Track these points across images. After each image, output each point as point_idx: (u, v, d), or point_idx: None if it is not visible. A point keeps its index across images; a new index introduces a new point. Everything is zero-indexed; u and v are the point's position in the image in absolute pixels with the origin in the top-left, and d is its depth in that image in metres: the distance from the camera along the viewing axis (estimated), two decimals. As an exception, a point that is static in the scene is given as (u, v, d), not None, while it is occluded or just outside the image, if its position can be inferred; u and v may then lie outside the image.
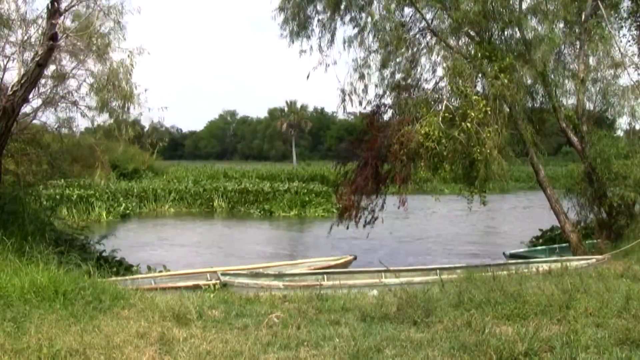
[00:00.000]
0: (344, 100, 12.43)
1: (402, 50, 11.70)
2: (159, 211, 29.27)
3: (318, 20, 12.83)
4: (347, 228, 12.58)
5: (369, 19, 11.92)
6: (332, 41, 12.78)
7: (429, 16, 12.08)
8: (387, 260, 12.39)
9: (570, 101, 13.21)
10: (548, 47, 11.14)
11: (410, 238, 20.05)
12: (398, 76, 12.28)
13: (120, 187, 29.22)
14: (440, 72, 12.15)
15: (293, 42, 12.86)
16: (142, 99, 10.88)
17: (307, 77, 12.73)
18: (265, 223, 25.88)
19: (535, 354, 3.90)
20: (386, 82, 12.39)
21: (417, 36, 12.32)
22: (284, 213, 28.05)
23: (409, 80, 12.30)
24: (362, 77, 12.29)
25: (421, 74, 12.42)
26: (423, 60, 12.32)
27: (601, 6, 11.99)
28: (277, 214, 28.02)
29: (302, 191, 30.26)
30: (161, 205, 29.77)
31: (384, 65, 12.07)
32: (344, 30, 12.72)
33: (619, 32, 13.50)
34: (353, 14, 12.52)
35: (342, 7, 12.44)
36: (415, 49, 12.17)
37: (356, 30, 12.48)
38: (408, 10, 12.34)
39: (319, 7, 12.67)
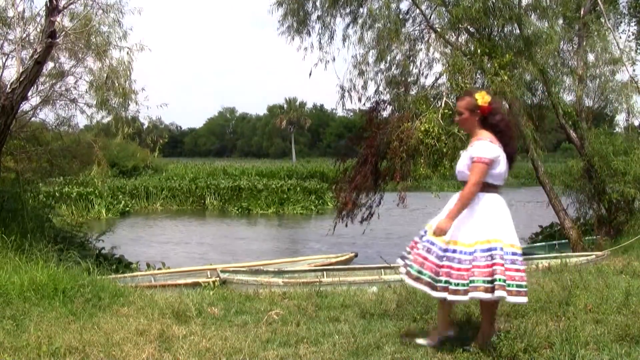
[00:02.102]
0: (343, 97, 12.43)
1: (397, 45, 11.68)
2: (150, 209, 29.21)
3: (318, 16, 12.79)
4: (346, 226, 12.59)
5: (366, 12, 11.90)
6: (331, 38, 12.76)
7: (427, 12, 12.08)
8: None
9: (570, 98, 13.23)
10: (550, 46, 11.10)
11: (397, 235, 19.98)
12: (395, 72, 12.27)
13: (113, 185, 29.15)
14: (437, 68, 12.15)
15: (293, 38, 12.84)
16: (142, 96, 10.90)
17: (310, 74, 12.70)
18: (264, 221, 25.90)
19: (535, 350, 3.90)
20: (383, 77, 12.37)
21: (414, 32, 12.31)
22: (262, 211, 28.07)
23: (409, 78, 12.29)
24: (361, 73, 12.29)
25: (419, 70, 12.42)
26: (421, 55, 12.32)
27: (599, 2, 11.98)
28: (255, 211, 28.00)
29: (284, 188, 30.31)
30: (153, 203, 29.74)
31: (380, 59, 12.05)
32: (343, 26, 12.67)
33: (617, 27, 13.50)
34: (351, 8, 12.49)
35: (341, 1, 12.39)
36: (413, 44, 12.15)
37: (355, 25, 12.48)
38: (406, 5, 12.35)
39: (318, 2, 12.61)
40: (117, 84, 10.21)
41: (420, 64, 12.40)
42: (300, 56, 12.68)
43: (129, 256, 13.04)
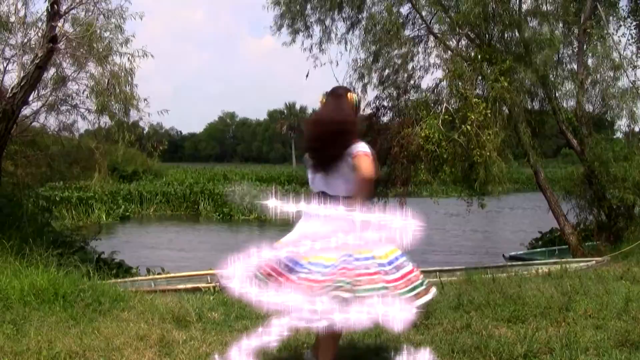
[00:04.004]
0: (342, 101, 12.38)
1: (397, 47, 11.70)
2: (144, 214, 29.07)
3: (318, 19, 12.80)
4: None
5: (367, 16, 11.93)
6: (329, 39, 12.77)
7: (427, 17, 12.11)
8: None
9: (570, 103, 13.22)
10: (550, 51, 11.12)
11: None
12: (393, 76, 12.29)
13: (109, 189, 29.02)
14: (436, 73, 12.18)
15: (294, 41, 12.84)
16: (142, 103, 10.88)
17: (307, 76, 12.69)
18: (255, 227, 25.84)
19: (535, 356, 3.90)
20: (381, 80, 12.38)
21: (413, 36, 12.33)
22: (244, 216, 27.89)
23: (410, 82, 12.30)
24: (361, 77, 12.30)
25: (417, 75, 12.44)
26: (419, 60, 12.35)
27: (599, 7, 12.00)
28: (237, 217, 27.82)
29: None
30: (147, 208, 29.60)
31: (376, 60, 12.06)
32: (343, 30, 12.67)
33: (617, 31, 13.50)
34: (352, 12, 12.52)
35: (342, 4, 12.40)
36: (410, 49, 12.17)
37: (355, 29, 12.51)
38: (406, 10, 12.37)
39: (318, 5, 12.61)
40: (118, 90, 10.21)
41: (420, 68, 12.43)
42: (300, 60, 12.78)
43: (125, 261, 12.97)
